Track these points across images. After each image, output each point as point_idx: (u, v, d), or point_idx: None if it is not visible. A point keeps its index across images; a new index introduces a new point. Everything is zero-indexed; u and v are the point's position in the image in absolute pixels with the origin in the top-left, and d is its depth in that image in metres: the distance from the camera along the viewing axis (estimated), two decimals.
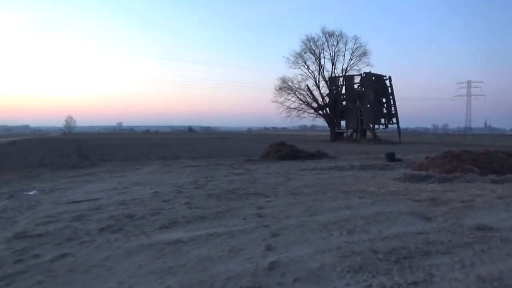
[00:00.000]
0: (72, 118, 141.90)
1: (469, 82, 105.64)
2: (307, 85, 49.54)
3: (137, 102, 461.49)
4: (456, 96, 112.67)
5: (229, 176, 11.53)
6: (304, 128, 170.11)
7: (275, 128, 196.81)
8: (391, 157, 18.01)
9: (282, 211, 6.45)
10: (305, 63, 49.18)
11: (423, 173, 11.57)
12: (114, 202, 7.24)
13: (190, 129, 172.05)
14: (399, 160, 17.88)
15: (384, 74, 49.36)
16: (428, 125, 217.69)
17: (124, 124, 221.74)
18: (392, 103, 49.05)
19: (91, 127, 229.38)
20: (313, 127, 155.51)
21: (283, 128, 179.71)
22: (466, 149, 14.84)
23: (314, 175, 11.93)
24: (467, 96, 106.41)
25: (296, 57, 49.55)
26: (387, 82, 49.12)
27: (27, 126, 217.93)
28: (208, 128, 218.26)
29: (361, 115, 46.38)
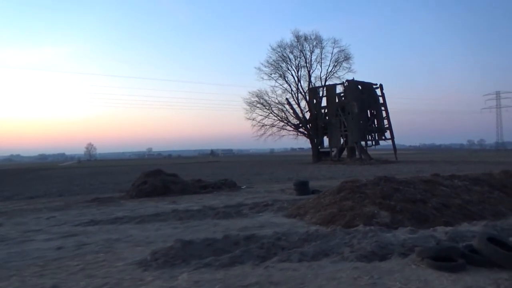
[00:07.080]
0: (92, 145, 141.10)
1: (497, 93, 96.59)
2: (286, 98, 43.66)
3: (168, 127, 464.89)
4: (485, 108, 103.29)
5: None
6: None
7: (301, 149, 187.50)
8: (302, 188, 12.07)
9: None
10: (280, 74, 43.38)
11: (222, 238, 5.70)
12: None
13: (212, 153, 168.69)
14: (316, 192, 11.84)
15: (374, 82, 43.09)
16: (464, 141, 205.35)
17: (154, 149, 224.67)
18: (384, 115, 42.36)
19: (123, 153, 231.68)
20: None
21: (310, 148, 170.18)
22: (389, 176, 8.86)
23: None
24: (497, 108, 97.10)
25: (269, 67, 43.82)
26: (378, 92, 42.70)
27: (63, 154, 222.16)
28: (230, 150, 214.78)
29: (345, 131, 39.89)
